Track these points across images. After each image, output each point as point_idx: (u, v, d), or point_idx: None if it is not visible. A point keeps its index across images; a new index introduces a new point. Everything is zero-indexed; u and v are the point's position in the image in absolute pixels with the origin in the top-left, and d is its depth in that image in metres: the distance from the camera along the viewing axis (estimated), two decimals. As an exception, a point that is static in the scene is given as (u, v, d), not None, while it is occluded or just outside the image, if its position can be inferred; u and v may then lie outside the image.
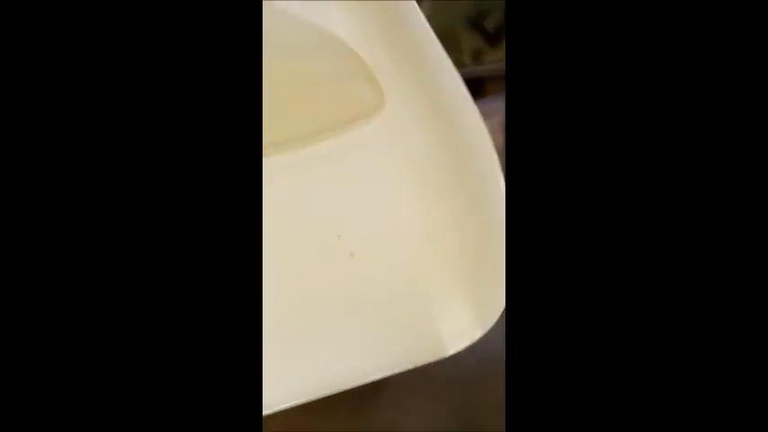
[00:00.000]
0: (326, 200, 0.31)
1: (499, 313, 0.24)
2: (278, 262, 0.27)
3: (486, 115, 0.32)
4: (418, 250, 0.29)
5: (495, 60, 0.51)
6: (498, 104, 0.44)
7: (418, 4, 0.38)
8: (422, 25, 0.35)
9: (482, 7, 0.51)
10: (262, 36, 0.22)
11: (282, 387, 0.25)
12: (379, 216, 0.30)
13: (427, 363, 0.25)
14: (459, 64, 0.37)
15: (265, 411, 0.23)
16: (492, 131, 0.31)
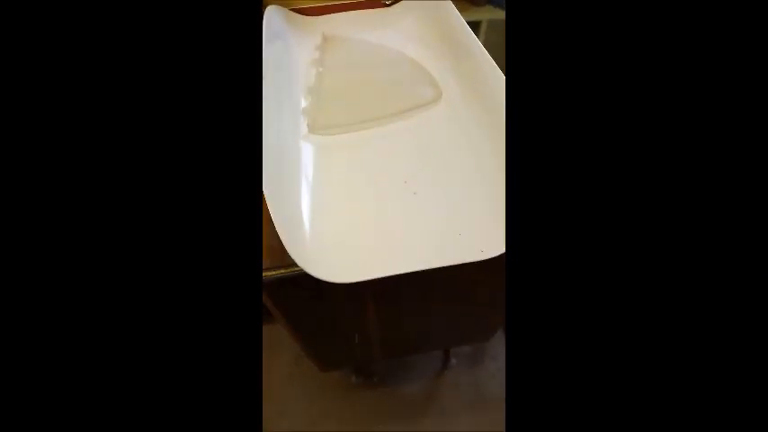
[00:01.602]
0: (398, 158, 0.43)
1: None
2: (364, 198, 0.39)
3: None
4: (461, 193, 0.40)
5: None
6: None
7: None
8: (469, 35, 0.51)
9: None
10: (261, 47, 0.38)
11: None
12: (437, 170, 0.42)
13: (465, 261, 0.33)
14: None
15: (363, 277, 0.33)
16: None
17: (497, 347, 1.17)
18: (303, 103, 0.51)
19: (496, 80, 0.44)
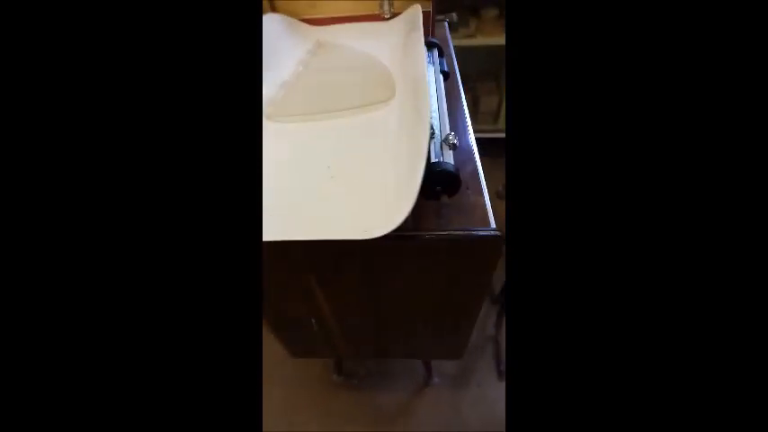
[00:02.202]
0: (331, 147, 0.47)
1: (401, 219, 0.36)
2: (290, 177, 0.45)
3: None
4: (371, 181, 0.42)
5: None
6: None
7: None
8: (421, 54, 0.54)
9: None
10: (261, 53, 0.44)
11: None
12: (358, 160, 0.45)
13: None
14: None
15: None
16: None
17: (485, 373, 1.12)
18: (271, 94, 0.57)
19: (424, 93, 0.47)
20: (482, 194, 0.56)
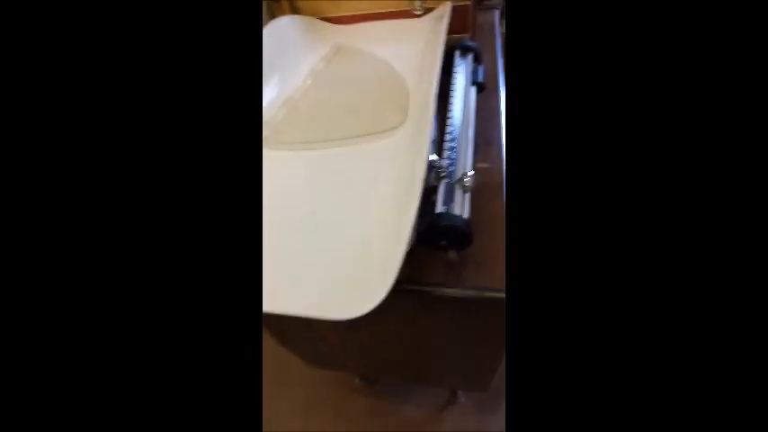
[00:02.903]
0: (320, 186, 0.44)
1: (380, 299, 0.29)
2: (267, 221, 0.40)
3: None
4: (360, 236, 0.36)
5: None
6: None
7: None
8: (434, 65, 0.48)
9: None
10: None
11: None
12: (345, 205, 0.41)
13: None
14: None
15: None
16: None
17: (516, 401, 1.03)
18: (272, 112, 0.52)
19: (426, 122, 0.38)
20: (503, 242, 0.46)
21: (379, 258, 0.33)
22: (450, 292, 0.42)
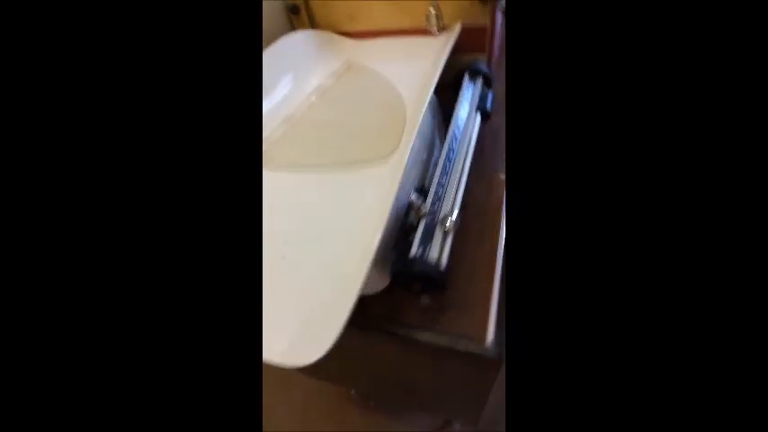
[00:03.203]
0: (296, 218, 0.42)
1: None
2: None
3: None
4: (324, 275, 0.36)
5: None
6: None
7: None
8: (424, 90, 0.46)
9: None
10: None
11: None
12: (314, 241, 0.39)
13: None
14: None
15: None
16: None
17: None
18: (272, 127, 0.52)
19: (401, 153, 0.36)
20: (492, 283, 0.43)
21: (336, 302, 0.32)
22: (424, 336, 0.40)
